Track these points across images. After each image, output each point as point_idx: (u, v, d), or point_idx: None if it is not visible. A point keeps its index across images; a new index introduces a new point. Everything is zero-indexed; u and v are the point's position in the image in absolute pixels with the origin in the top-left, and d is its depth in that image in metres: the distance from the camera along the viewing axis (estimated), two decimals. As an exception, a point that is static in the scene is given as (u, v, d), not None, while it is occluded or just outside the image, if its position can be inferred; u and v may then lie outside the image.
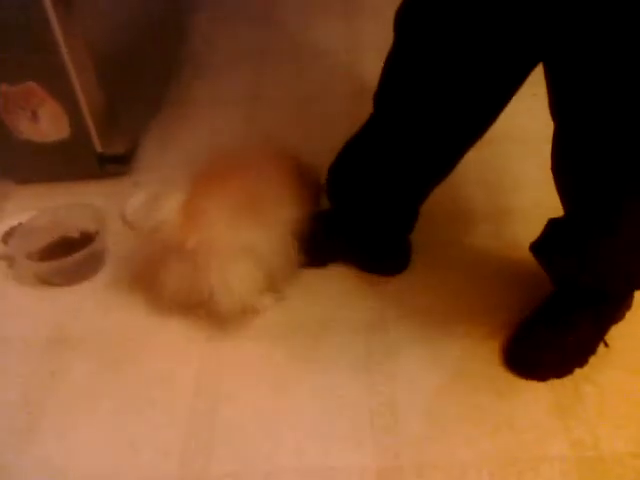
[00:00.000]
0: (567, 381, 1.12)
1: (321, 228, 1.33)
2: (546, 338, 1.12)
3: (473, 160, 1.20)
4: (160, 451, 1.07)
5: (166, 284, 1.17)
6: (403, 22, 1.01)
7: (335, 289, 1.31)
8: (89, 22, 1.41)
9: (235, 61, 2.07)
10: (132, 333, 1.26)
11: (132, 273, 1.36)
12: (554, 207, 1.08)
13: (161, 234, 1.09)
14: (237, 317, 1.20)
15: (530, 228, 1.17)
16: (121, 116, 1.55)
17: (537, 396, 1.10)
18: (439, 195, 1.25)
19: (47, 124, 1.47)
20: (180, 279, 1.14)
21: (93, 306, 1.32)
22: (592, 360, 1.14)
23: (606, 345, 1.15)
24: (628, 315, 1.18)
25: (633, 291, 1.17)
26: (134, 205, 1.51)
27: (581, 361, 1.14)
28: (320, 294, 1.30)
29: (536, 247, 1.15)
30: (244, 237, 1.13)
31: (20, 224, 1.45)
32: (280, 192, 1.20)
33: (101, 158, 1.57)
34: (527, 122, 1.55)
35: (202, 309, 1.21)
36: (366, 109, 1.16)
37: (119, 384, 1.17)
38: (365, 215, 1.28)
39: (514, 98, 1.02)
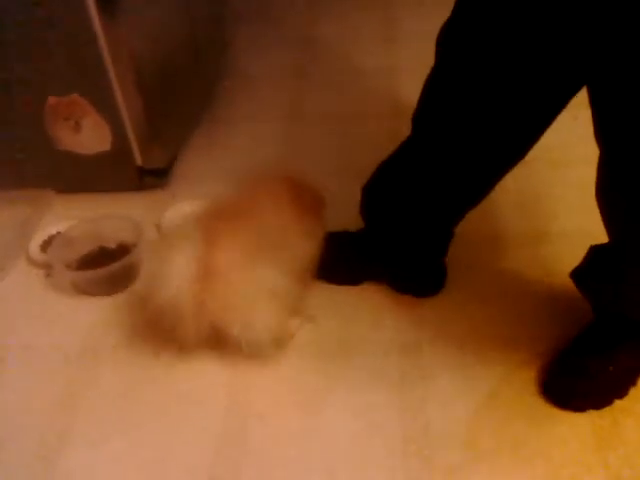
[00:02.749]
0: (605, 412, 1.09)
1: (354, 247, 1.33)
2: (585, 368, 1.10)
3: (511, 183, 1.19)
4: (189, 469, 1.06)
5: (185, 340, 1.15)
6: (445, 43, 1.01)
7: (368, 309, 1.30)
8: (133, 35, 1.42)
9: (275, 79, 2.10)
10: (164, 348, 1.25)
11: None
12: (593, 233, 1.06)
13: (176, 298, 1.08)
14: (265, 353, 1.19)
15: (568, 254, 1.16)
16: (161, 129, 1.57)
17: (574, 427, 1.07)
18: (475, 217, 1.24)
19: (89, 136, 1.50)
20: (200, 335, 1.13)
21: (127, 317, 1.33)
22: (632, 391, 1.11)
23: (647, 376, 1.13)
24: (671, 346, 1.15)
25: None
26: (170, 217, 1.52)
27: (620, 392, 1.11)
28: (353, 314, 1.29)
29: (577, 274, 1.13)
30: (261, 278, 1.11)
31: (59, 233, 1.48)
32: (288, 222, 1.18)
33: (141, 171, 1.59)
34: (567, 145, 1.53)
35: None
36: (402, 129, 1.15)
37: (150, 399, 1.17)
38: (399, 235, 1.27)
39: (555, 121, 1.01)
